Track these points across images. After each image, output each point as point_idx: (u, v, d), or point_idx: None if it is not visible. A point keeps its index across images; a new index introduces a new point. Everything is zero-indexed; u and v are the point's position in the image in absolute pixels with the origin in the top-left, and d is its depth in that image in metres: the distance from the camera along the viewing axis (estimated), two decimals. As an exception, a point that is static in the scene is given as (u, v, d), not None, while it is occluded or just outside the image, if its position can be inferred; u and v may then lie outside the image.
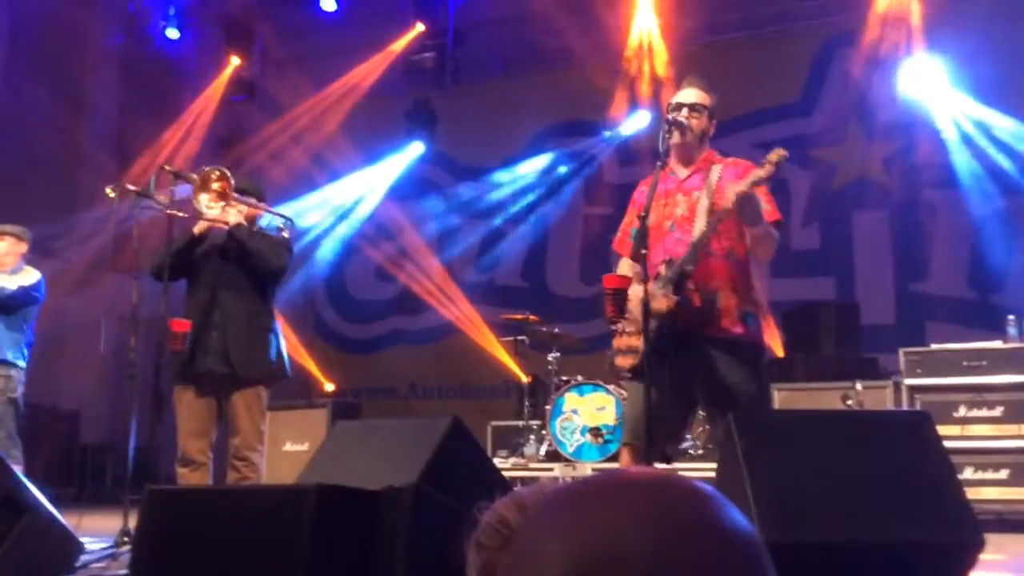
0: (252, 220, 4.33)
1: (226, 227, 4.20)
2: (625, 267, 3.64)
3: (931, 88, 7.06)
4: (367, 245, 9.12)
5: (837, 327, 6.47)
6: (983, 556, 4.19)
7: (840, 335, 6.42)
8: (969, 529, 2.27)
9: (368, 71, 8.78)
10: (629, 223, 3.69)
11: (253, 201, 4.34)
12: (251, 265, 4.20)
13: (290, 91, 8.73)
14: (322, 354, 8.98)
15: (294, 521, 2.20)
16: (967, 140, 7.09)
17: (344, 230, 9.12)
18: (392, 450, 2.86)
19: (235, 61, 9.08)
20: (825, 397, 5.59)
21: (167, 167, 4.39)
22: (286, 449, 6.51)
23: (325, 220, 9.01)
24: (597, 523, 0.67)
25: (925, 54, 7.05)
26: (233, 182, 4.19)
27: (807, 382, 5.88)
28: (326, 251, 9.32)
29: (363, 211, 9.09)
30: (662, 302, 3.37)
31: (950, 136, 7.14)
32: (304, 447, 6.35)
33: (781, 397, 5.73)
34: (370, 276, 9.25)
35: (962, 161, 7.12)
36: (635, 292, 3.40)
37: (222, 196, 4.15)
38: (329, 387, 8.43)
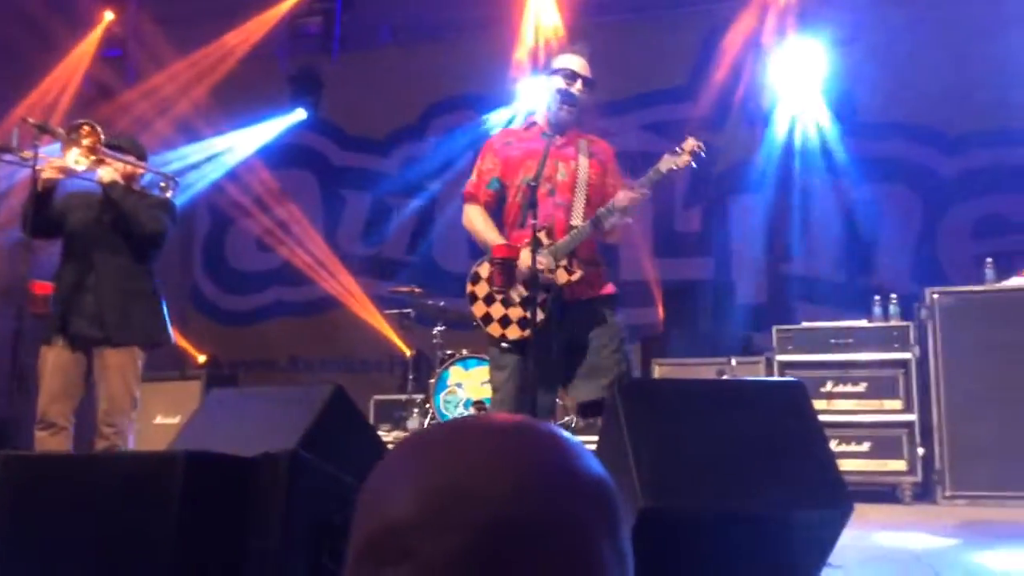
0: (131, 178, 4.13)
1: (100, 184, 4.00)
2: (476, 216, 3.63)
3: (808, 75, 7.30)
4: (247, 214, 8.83)
5: (714, 305, 6.66)
6: (849, 525, 4.40)
7: (717, 313, 6.62)
8: (839, 497, 2.36)
9: (252, 32, 8.46)
10: (488, 171, 3.66)
11: (132, 159, 4.13)
12: (126, 227, 4.01)
13: (168, 49, 8.33)
14: (197, 325, 8.67)
15: (161, 490, 2.10)
16: (841, 126, 7.38)
17: (222, 198, 8.80)
18: (270, 418, 2.77)
19: (108, 16, 8.62)
20: (701, 372, 5.74)
21: (29, 120, 4.11)
22: (157, 422, 6.27)
23: (201, 184, 8.65)
24: (447, 463, 0.65)
25: (802, 40, 7.28)
26: (103, 136, 3.96)
27: (685, 357, 6.03)
28: (203, 219, 8.99)
29: (243, 178, 8.78)
30: (561, 275, 3.40)
31: (824, 122, 7.41)
32: (176, 420, 6.13)
33: (660, 372, 5.86)
34: (250, 246, 8.97)
35: (835, 147, 7.40)
36: (525, 261, 3.40)
37: (92, 151, 3.92)
38: (202, 359, 8.14)
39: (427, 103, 8.48)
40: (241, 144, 8.68)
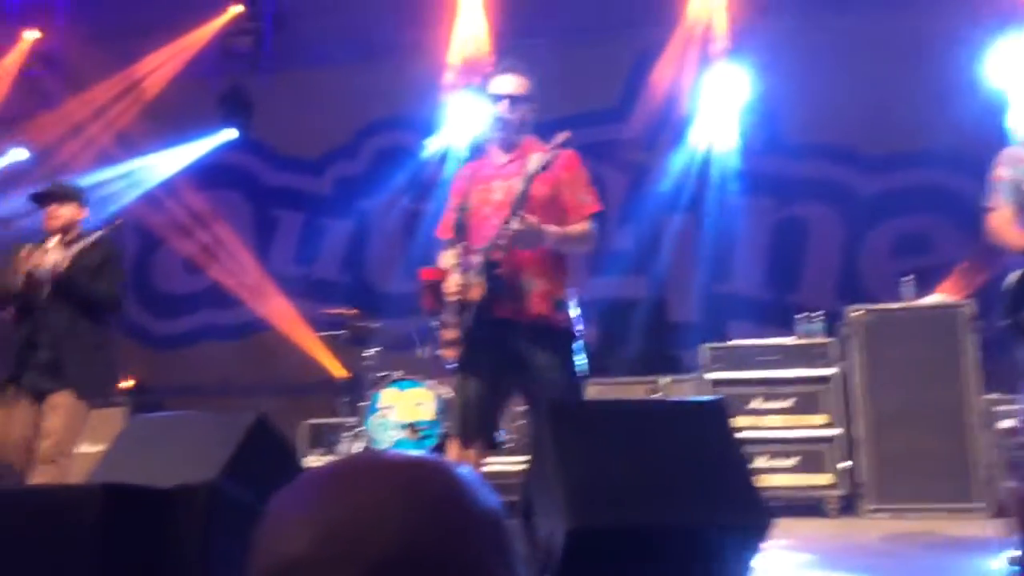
0: (72, 225, 4.22)
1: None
2: (448, 254, 3.65)
3: (734, 97, 7.47)
4: (175, 235, 8.67)
5: (647, 324, 6.74)
6: (775, 539, 4.47)
7: (649, 332, 6.70)
8: (758, 511, 2.40)
9: (181, 51, 8.34)
10: (452, 208, 3.71)
11: (73, 207, 4.18)
12: (81, 304, 4.11)
13: (95, 67, 8.17)
14: (122, 349, 8.45)
15: (79, 523, 2.05)
16: (767, 149, 7.55)
17: (149, 219, 8.62)
18: (191, 446, 2.71)
19: (33, 35, 8.43)
20: (634, 390, 5.80)
21: None
22: (81, 451, 6.07)
23: (126, 203, 8.47)
24: (342, 500, 0.66)
25: (729, 64, 7.45)
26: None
27: (618, 376, 6.08)
28: (129, 240, 8.80)
29: (170, 199, 8.62)
30: (474, 291, 3.40)
31: (751, 144, 7.58)
32: (99, 449, 5.93)
33: (591, 391, 5.87)
34: (178, 268, 8.80)
35: (761, 167, 7.58)
36: (454, 282, 3.42)
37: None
38: (128, 384, 7.92)
39: (361, 123, 8.45)
40: (169, 164, 8.53)
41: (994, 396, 5.09)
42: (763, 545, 2.49)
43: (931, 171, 7.14)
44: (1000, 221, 3.56)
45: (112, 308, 4.22)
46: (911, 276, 5.69)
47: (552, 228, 3.42)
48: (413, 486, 0.67)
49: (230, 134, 8.49)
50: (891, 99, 6.98)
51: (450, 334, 3.47)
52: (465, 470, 0.71)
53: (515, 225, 3.29)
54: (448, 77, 7.68)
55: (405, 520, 0.64)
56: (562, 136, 3.42)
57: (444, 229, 3.70)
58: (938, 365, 5.22)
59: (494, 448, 3.57)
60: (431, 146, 7.80)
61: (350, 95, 8.04)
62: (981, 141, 3.93)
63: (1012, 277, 3.48)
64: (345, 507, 0.65)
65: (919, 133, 7.06)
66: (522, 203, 3.37)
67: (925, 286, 5.81)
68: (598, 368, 6.36)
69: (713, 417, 2.62)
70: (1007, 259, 3.63)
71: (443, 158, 7.72)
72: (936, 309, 5.38)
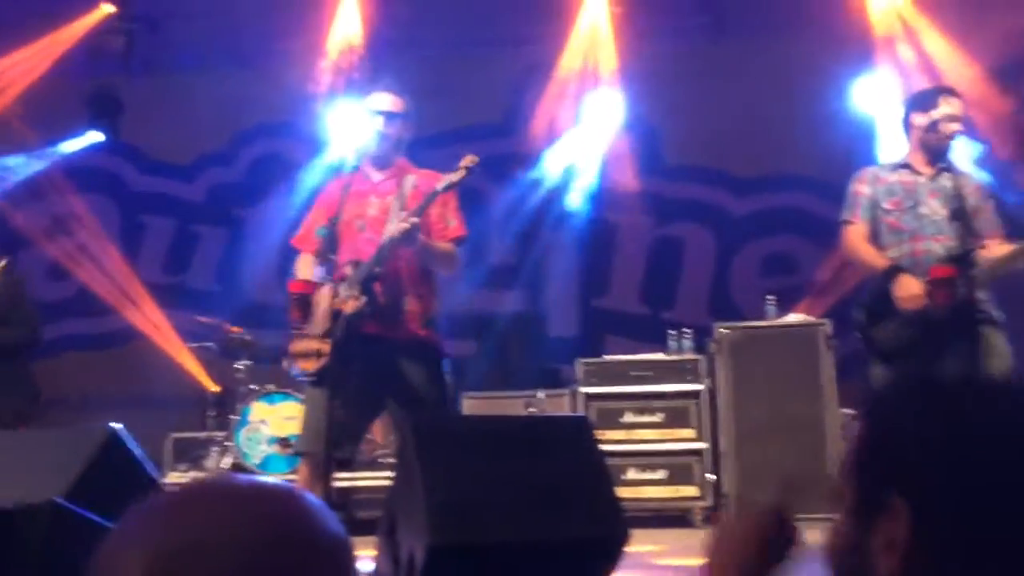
0: None
1: None
2: (304, 264, 3.64)
3: (614, 117, 7.65)
4: (38, 240, 8.26)
5: (525, 338, 6.81)
6: (645, 548, 4.58)
7: (528, 346, 6.77)
8: (617, 524, 2.46)
9: (49, 49, 7.97)
10: (315, 221, 3.69)
11: None
12: None
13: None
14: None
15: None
16: (645, 169, 7.76)
17: (11, 223, 8.18)
18: (38, 464, 2.58)
19: None
20: (509, 404, 5.84)
21: None
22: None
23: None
24: (180, 527, 0.65)
25: (611, 86, 7.63)
26: None
27: (496, 390, 6.12)
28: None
29: (34, 202, 8.21)
30: (350, 304, 3.39)
31: (630, 163, 7.77)
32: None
33: (469, 405, 5.91)
34: (41, 275, 8.38)
35: (641, 188, 7.77)
36: (324, 295, 3.39)
37: None
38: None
39: (236, 129, 8.26)
40: (33, 166, 8.13)
41: (850, 411, 5.36)
42: (624, 556, 2.55)
43: (799, 194, 7.48)
44: (855, 236, 3.74)
45: (32, 347, 4.15)
46: (774, 295, 5.94)
47: (422, 236, 3.48)
48: (253, 513, 0.66)
49: (97, 137, 8.16)
50: (764, 124, 7.28)
51: (310, 346, 3.45)
52: (309, 496, 0.70)
53: (407, 224, 3.33)
54: (323, 86, 7.59)
55: (243, 548, 0.63)
56: (469, 160, 3.47)
57: (305, 240, 3.70)
58: (798, 380, 5.46)
59: (349, 467, 3.57)
60: (309, 152, 7.68)
61: (226, 100, 7.84)
62: (849, 167, 4.13)
63: (865, 296, 3.67)
64: (183, 534, 0.64)
65: (787, 157, 7.40)
66: (419, 214, 3.40)
67: (790, 305, 6.08)
68: (476, 382, 6.40)
69: (576, 433, 2.67)
70: (859, 276, 3.83)
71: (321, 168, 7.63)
72: (796, 327, 5.62)
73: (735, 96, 7.35)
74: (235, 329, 6.34)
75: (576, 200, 7.85)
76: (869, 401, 0.92)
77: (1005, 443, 0.79)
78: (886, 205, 3.71)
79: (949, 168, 3.72)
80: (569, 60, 7.81)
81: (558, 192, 7.94)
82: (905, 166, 3.78)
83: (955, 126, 3.63)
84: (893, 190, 3.73)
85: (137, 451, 2.69)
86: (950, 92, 3.77)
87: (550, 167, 7.98)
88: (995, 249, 3.53)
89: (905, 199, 3.70)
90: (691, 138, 7.58)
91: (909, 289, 3.48)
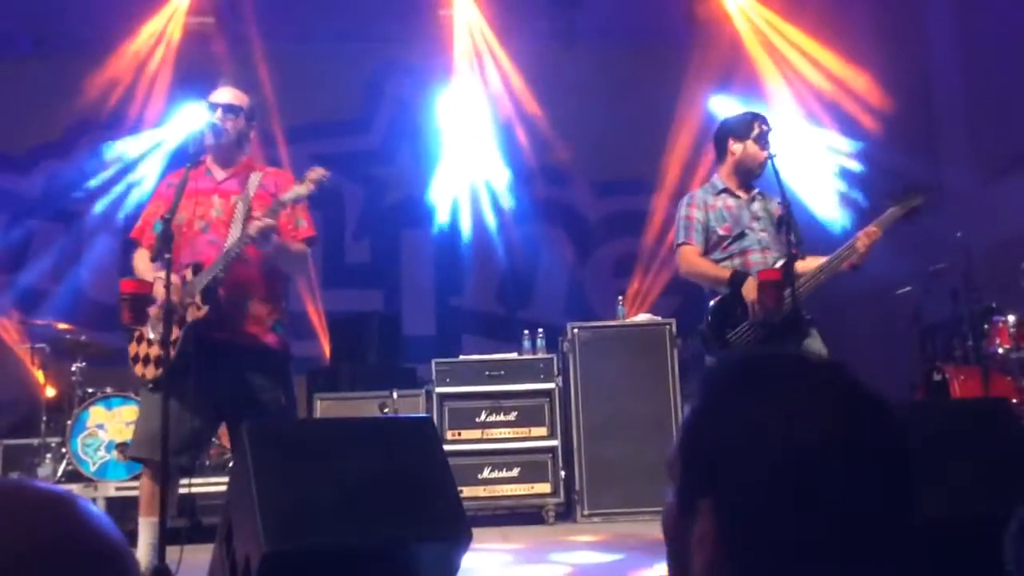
0: None
1: None
2: (142, 259, 3.50)
3: (477, 117, 7.68)
4: None
5: (381, 338, 6.73)
6: (497, 545, 4.61)
7: (383, 345, 6.69)
8: (457, 525, 2.46)
9: None
10: (153, 214, 3.54)
11: None
12: None
13: None
14: None
15: None
16: (507, 168, 7.83)
17: None
18: None
19: None
20: (365, 405, 5.76)
21: None
22: None
23: None
24: None
25: (474, 87, 7.66)
26: None
27: (351, 391, 6.02)
28: None
29: None
30: (194, 311, 3.27)
31: (492, 164, 7.82)
32: None
33: (323, 406, 5.80)
34: None
35: (500, 188, 7.84)
36: (159, 295, 3.25)
37: None
38: None
39: (73, 119, 7.79)
40: None
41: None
42: (464, 556, 2.55)
43: (646, 197, 7.70)
44: (693, 254, 3.92)
45: None
46: (623, 296, 6.10)
47: (275, 236, 3.40)
48: (14, 516, 0.62)
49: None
50: (619, 128, 7.46)
51: (147, 351, 3.31)
52: (85, 502, 0.67)
53: (262, 223, 3.23)
54: (167, 78, 7.30)
55: (5, 557, 0.60)
56: (318, 172, 3.39)
57: (143, 232, 3.55)
58: (645, 378, 5.62)
59: (189, 475, 3.45)
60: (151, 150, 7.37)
61: (62, 88, 7.38)
62: (700, 173, 4.31)
63: (714, 303, 3.81)
64: None
65: (639, 161, 7.61)
66: (275, 215, 3.31)
67: (639, 305, 6.27)
68: (331, 383, 6.29)
69: (418, 434, 2.65)
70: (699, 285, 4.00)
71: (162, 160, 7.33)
72: (644, 327, 5.78)
73: (593, 102, 7.51)
74: (65, 327, 6.00)
75: (433, 199, 7.84)
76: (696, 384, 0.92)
77: (810, 423, 0.78)
78: (720, 231, 3.91)
79: (759, 191, 4.02)
80: (428, 58, 7.78)
81: (416, 191, 7.90)
82: (725, 190, 3.99)
83: (767, 152, 3.85)
84: (723, 216, 3.95)
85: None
86: (763, 119, 3.98)
87: (408, 164, 7.95)
88: (808, 261, 3.78)
89: (734, 225, 3.92)
90: (550, 141, 7.69)
91: (755, 290, 3.67)
